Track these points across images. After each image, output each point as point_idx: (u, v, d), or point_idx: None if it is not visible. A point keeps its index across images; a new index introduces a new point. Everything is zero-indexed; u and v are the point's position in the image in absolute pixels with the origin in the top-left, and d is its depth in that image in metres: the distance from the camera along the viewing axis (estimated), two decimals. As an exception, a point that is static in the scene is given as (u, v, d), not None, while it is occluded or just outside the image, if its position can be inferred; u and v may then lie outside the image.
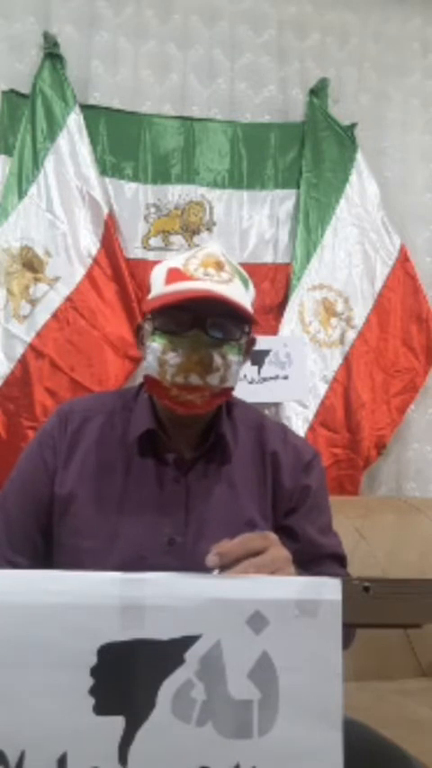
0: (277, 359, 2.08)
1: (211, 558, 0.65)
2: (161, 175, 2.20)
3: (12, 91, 2.10)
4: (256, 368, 2.06)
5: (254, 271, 2.21)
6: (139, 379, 1.18)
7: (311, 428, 2.15)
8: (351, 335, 2.23)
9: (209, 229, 2.21)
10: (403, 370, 2.28)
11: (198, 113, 2.23)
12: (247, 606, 0.57)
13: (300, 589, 0.58)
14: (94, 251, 2.08)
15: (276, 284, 2.23)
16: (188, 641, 0.57)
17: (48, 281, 2.05)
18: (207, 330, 0.87)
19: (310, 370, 2.16)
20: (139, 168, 2.19)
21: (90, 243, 2.08)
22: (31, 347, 2.01)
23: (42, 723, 0.56)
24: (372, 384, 2.23)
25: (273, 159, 2.27)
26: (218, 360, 0.87)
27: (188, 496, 0.92)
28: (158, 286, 0.92)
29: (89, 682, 0.56)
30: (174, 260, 0.93)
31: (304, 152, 2.25)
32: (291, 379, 2.08)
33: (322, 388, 2.18)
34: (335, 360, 2.21)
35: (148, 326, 0.92)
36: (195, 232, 2.20)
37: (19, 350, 2.01)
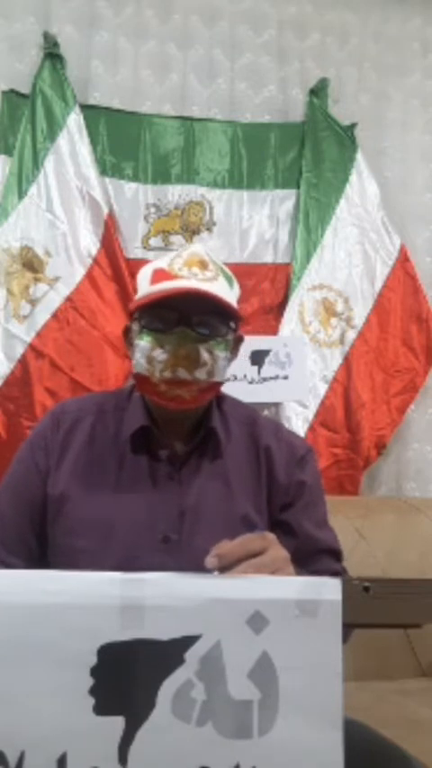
0: (277, 359, 2.08)
1: (211, 560, 0.65)
2: (161, 175, 2.20)
3: (12, 91, 2.11)
4: (256, 368, 2.06)
5: (254, 271, 2.23)
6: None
7: (311, 428, 2.15)
8: (351, 335, 2.23)
9: (209, 229, 2.21)
10: (403, 370, 2.28)
11: (198, 113, 2.23)
12: (247, 606, 0.57)
13: (300, 589, 0.58)
14: (94, 251, 2.08)
15: (276, 284, 2.23)
16: (188, 641, 0.57)
17: (48, 281, 2.05)
18: (193, 327, 0.88)
19: (310, 370, 2.16)
20: (139, 168, 2.19)
21: (90, 243, 2.08)
22: (31, 347, 2.01)
23: (42, 723, 0.56)
24: (372, 384, 2.23)
25: (273, 159, 2.27)
26: (205, 355, 0.88)
27: (182, 493, 0.92)
28: (144, 286, 0.94)
29: (89, 682, 0.56)
30: (159, 261, 0.95)
31: (304, 152, 2.26)
32: (291, 379, 2.08)
33: (322, 388, 2.18)
34: (335, 360, 2.21)
35: (135, 326, 0.93)
36: (195, 232, 2.20)
37: (19, 350, 2.01)
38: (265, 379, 2.07)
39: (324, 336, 2.21)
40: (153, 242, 2.18)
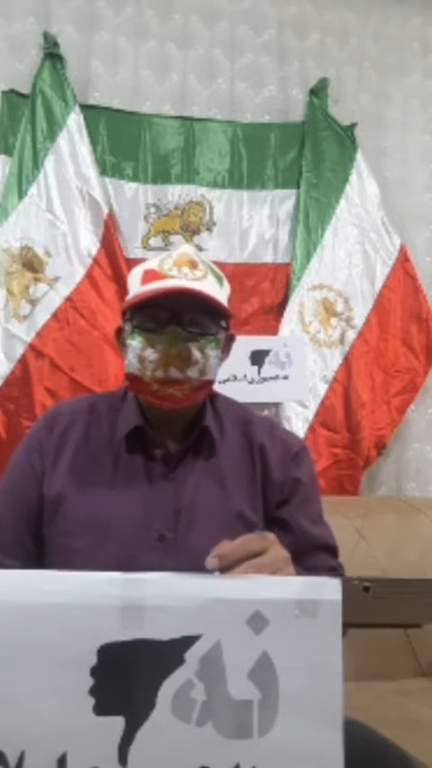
0: (277, 359, 2.08)
1: (211, 561, 0.65)
2: (161, 175, 2.20)
3: (12, 91, 2.11)
4: (256, 368, 2.06)
5: (254, 271, 2.23)
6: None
7: (311, 428, 2.15)
8: (351, 335, 2.23)
9: (209, 229, 2.21)
10: (403, 370, 2.28)
11: (198, 113, 2.24)
12: (247, 606, 0.57)
13: (300, 589, 0.58)
14: (94, 251, 2.08)
15: (276, 284, 2.23)
16: (188, 641, 0.57)
17: (48, 281, 2.05)
18: (184, 326, 0.89)
19: (310, 370, 2.16)
20: (139, 168, 2.19)
21: (90, 243, 2.08)
22: (31, 347, 2.02)
23: (42, 723, 0.56)
24: (372, 384, 2.24)
25: (273, 159, 2.27)
26: (196, 353, 0.89)
27: (177, 492, 0.92)
28: (135, 287, 0.94)
29: (89, 682, 0.56)
30: (149, 262, 0.95)
31: (304, 152, 2.26)
32: (291, 379, 2.08)
33: (322, 388, 2.19)
34: (335, 360, 2.21)
35: (127, 327, 0.94)
36: (195, 232, 2.20)
37: (19, 350, 2.01)
38: (265, 379, 2.07)
39: (324, 336, 2.21)
40: (153, 242, 2.18)
